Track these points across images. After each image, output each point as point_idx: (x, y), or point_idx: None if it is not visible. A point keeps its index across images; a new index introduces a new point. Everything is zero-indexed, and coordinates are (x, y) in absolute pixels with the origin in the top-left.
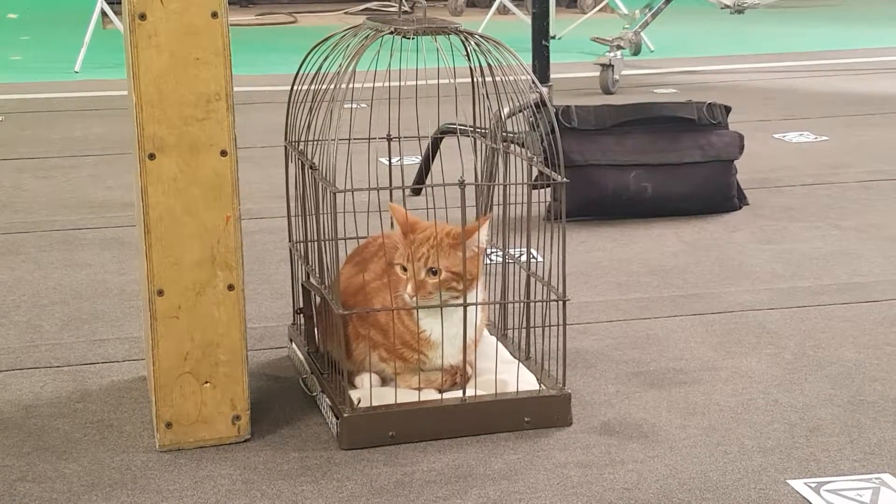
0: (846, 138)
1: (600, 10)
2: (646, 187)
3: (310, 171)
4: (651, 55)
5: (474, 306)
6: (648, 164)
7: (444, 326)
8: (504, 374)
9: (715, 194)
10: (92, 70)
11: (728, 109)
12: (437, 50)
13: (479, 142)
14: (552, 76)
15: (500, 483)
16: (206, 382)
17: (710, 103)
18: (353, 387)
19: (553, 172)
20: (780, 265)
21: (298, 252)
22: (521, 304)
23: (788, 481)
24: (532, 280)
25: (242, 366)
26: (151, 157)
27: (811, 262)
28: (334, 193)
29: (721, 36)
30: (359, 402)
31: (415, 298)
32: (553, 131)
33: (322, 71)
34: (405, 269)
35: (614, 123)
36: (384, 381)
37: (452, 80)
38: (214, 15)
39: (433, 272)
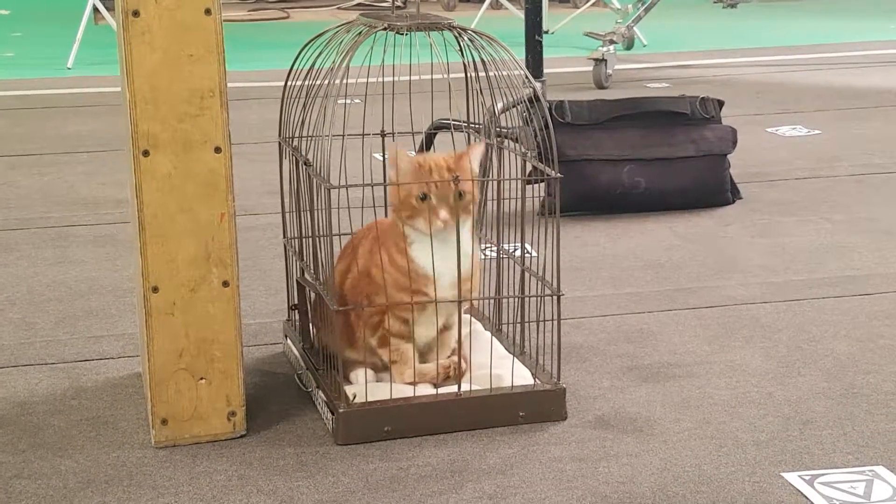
0: (839, 132)
1: (593, 5)
2: (639, 182)
3: (304, 167)
4: (644, 50)
5: (468, 237)
6: (642, 159)
7: (440, 256)
8: (499, 368)
9: (708, 188)
10: (84, 66)
11: (721, 104)
12: (431, 45)
13: (472, 137)
14: (545, 71)
15: (495, 477)
16: (202, 379)
17: (703, 98)
18: (349, 382)
19: (547, 167)
20: (773, 259)
21: (293, 248)
22: (516, 300)
23: (782, 474)
24: (526, 275)
25: (237, 362)
26: (145, 153)
27: (804, 255)
28: (329, 189)
29: (714, 30)
30: (354, 398)
31: (446, 223)
32: (546, 126)
33: (316, 67)
34: (424, 199)
35: (608, 118)
36: (379, 378)
37: (446, 76)
38: (208, 12)
39: (459, 196)
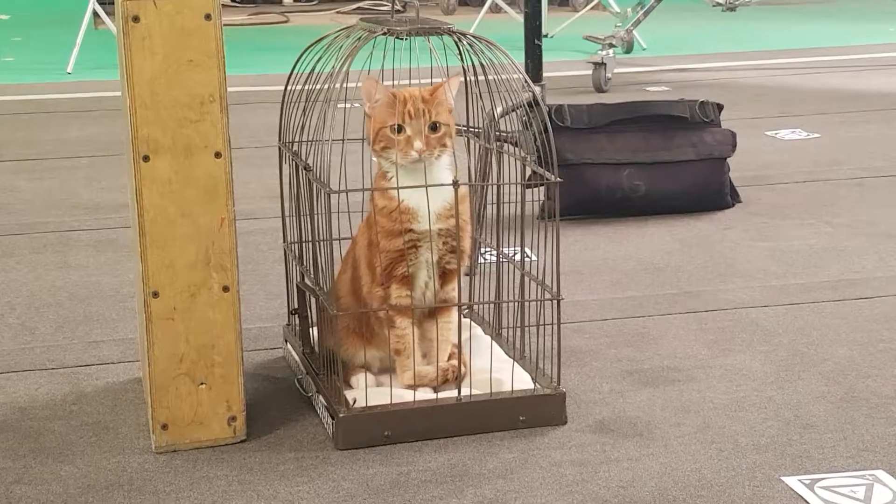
0: (838, 135)
1: (592, 9)
2: (639, 185)
3: (304, 171)
4: (643, 53)
5: (448, 171)
6: (641, 163)
7: (425, 193)
8: (499, 373)
9: (708, 192)
10: (84, 71)
11: (720, 107)
12: (430, 50)
13: (472, 141)
14: (545, 75)
15: (495, 482)
16: (202, 384)
17: (702, 101)
18: (349, 387)
19: (546, 171)
20: (772, 262)
21: (293, 253)
22: (516, 304)
23: (782, 478)
24: (526, 279)
25: (238, 367)
26: (146, 159)
27: (804, 259)
28: (329, 194)
29: (713, 34)
30: (354, 402)
31: (422, 154)
32: (546, 130)
33: (316, 71)
34: (400, 130)
35: (607, 122)
36: (379, 382)
37: (446, 80)
38: (207, 17)
39: (434, 127)
